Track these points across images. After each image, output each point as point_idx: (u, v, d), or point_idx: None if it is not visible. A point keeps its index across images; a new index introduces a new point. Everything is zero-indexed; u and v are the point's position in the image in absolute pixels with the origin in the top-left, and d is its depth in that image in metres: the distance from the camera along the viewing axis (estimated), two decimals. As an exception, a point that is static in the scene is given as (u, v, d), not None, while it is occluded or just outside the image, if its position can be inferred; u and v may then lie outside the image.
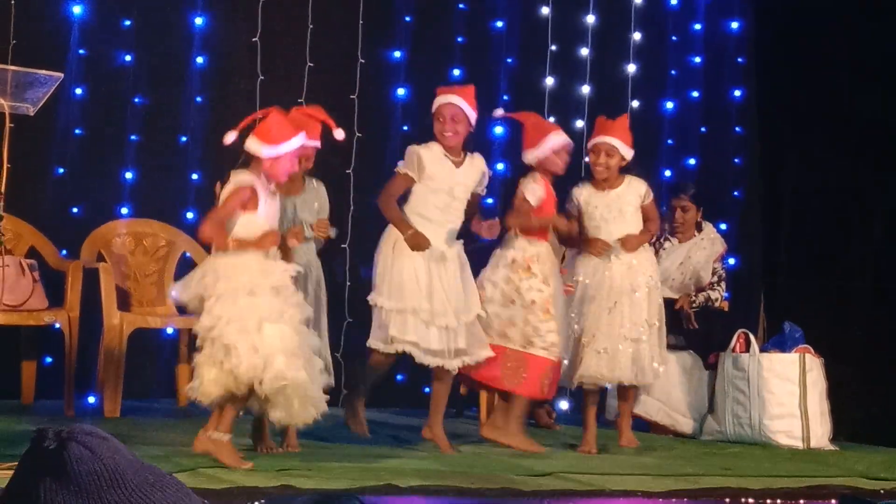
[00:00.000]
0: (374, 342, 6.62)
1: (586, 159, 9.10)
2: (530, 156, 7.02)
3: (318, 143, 6.51)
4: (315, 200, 6.60)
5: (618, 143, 7.18)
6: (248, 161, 5.93)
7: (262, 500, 4.92)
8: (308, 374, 5.80)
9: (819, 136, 9.18)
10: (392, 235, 6.67)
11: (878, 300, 8.74)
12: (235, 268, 5.83)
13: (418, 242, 6.57)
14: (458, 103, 6.71)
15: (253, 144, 5.91)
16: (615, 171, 7.20)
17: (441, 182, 6.69)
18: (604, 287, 7.17)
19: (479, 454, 6.75)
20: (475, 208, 6.89)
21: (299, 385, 5.72)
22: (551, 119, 9.21)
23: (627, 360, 7.18)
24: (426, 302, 6.57)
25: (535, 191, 6.92)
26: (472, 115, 6.74)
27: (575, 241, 7.30)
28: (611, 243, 7.17)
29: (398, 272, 6.61)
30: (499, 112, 7.22)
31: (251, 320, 5.74)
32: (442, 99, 6.75)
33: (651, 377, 7.36)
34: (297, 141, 5.96)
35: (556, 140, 7.02)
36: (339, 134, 6.37)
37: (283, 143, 5.91)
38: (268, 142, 5.89)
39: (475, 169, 6.80)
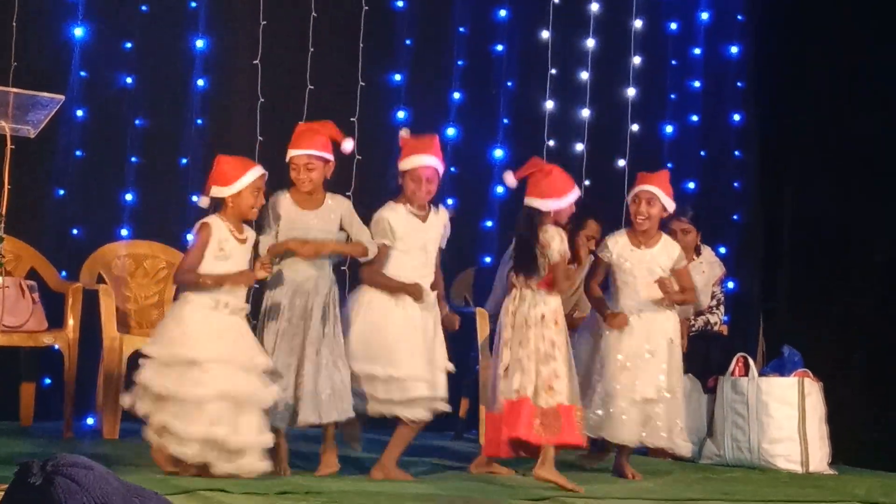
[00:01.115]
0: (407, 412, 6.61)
1: (587, 182, 9.13)
2: (551, 204, 6.87)
3: (329, 156, 6.55)
4: (331, 214, 6.58)
5: (659, 193, 7.11)
6: (218, 209, 6.28)
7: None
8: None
9: (818, 159, 9.20)
10: (365, 297, 6.65)
11: (878, 324, 8.74)
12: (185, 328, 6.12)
13: (416, 291, 6.57)
14: (434, 165, 6.65)
15: (214, 191, 6.28)
16: (656, 221, 7.14)
17: (412, 241, 6.64)
18: (622, 344, 7.13)
19: (477, 479, 6.74)
20: (437, 264, 6.80)
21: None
22: (551, 143, 9.25)
23: (635, 425, 7.09)
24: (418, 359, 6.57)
25: (565, 249, 6.81)
26: (441, 169, 6.71)
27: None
28: (640, 297, 7.12)
29: (387, 334, 6.60)
30: (510, 180, 7.06)
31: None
32: (416, 161, 6.63)
33: (664, 442, 7.26)
34: (253, 174, 6.27)
35: (576, 194, 6.97)
36: (348, 145, 6.65)
37: (236, 180, 6.25)
38: (223, 183, 6.26)
39: (440, 222, 6.73)
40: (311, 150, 6.50)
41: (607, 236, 7.29)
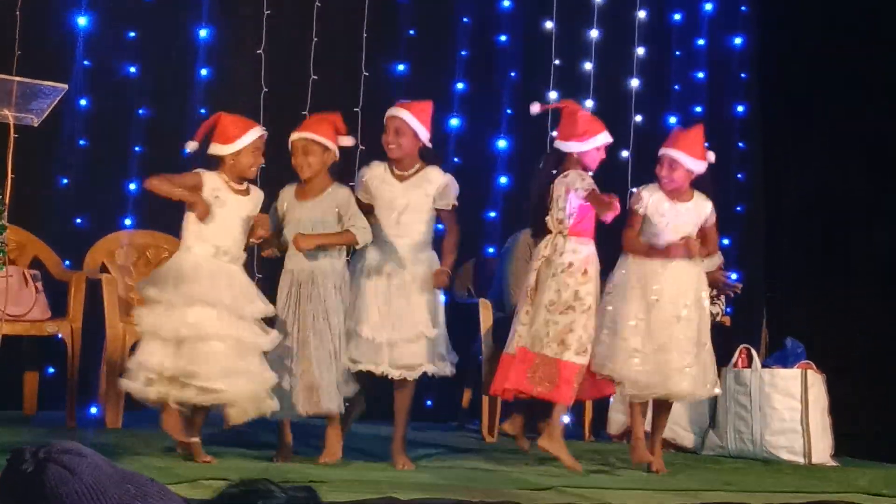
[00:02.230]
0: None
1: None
2: (574, 146, 6.77)
3: (329, 143, 6.59)
4: (330, 204, 6.59)
5: (680, 156, 6.87)
6: (215, 166, 6.40)
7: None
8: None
9: (822, 151, 9.19)
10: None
11: (882, 316, 8.73)
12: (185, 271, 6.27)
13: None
14: (402, 116, 6.62)
15: (214, 148, 6.39)
16: (682, 183, 6.90)
17: (384, 200, 6.62)
18: (668, 294, 6.90)
19: (480, 468, 6.74)
20: (447, 225, 6.74)
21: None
22: (554, 133, 9.24)
23: (681, 374, 6.89)
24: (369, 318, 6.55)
25: (590, 184, 6.70)
26: (421, 130, 6.61)
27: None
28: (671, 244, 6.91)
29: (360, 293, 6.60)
30: (535, 107, 6.96)
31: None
32: (389, 112, 6.69)
33: (708, 392, 7.12)
34: (253, 134, 6.39)
35: (605, 137, 6.86)
36: (348, 141, 6.71)
37: (238, 138, 6.36)
38: (224, 141, 6.37)
39: (427, 182, 6.65)
40: (308, 133, 6.52)
41: (641, 188, 7.10)
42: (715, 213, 7.06)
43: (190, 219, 6.35)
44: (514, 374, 6.71)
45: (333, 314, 6.51)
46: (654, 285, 6.88)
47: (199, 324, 6.14)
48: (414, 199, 6.62)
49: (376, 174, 6.66)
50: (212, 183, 6.35)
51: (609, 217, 6.63)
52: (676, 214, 6.94)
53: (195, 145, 6.38)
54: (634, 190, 9.18)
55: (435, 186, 6.65)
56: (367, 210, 6.62)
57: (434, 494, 5.73)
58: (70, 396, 7.34)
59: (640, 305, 6.87)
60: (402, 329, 6.54)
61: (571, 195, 6.71)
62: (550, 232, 6.80)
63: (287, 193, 6.61)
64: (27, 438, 6.48)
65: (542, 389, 6.69)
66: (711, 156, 7.00)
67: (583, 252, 6.74)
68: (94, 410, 7.69)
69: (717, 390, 7.27)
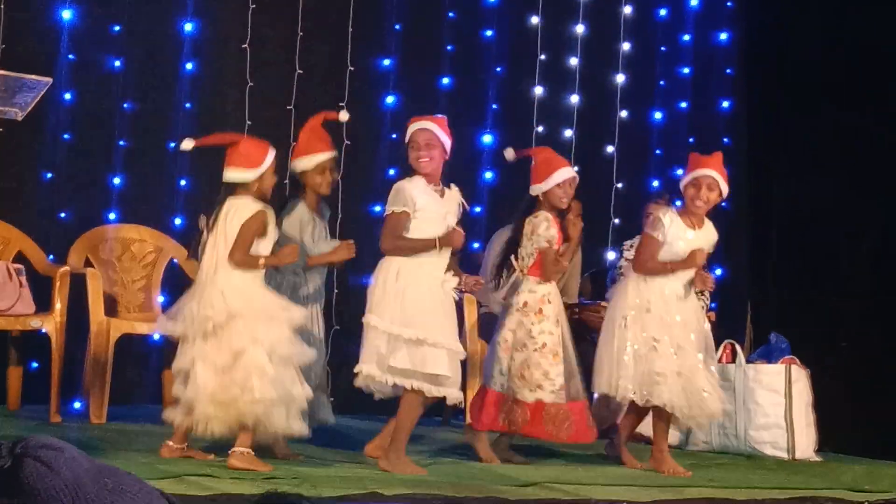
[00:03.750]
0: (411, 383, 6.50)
1: (575, 168, 9.17)
2: (536, 189, 6.95)
3: (333, 153, 6.74)
4: (324, 218, 6.85)
5: (719, 178, 6.92)
6: (233, 190, 6.24)
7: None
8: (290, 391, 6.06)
9: (807, 147, 9.20)
10: (394, 266, 6.49)
11: (865, 312, 8.76)
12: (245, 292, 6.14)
13: (453, 239, 6.45)
14: (431, 129, 6.54)
15: (235, 173, 6.25)
16: (712, 206, 6.98)
17: (433, 212, 6.51)
18: (684, 322, 6.97)
19: (464, 464, 6.74)
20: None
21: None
22: (540, 129, 9.24)
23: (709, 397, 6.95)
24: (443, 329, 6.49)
25: (552, 234, 6.86)
26: (447, 142, 6.56)
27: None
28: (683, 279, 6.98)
29: (420, 302, 6.44)
30: (509, 154, 7.07)
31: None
32: (415, 126, 6.58)
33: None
34: (272, 155, 6.32)
35: (562, 174, 6.93)
36: (344, 115, 6.92)
37: (263, 161, 6.26)
38: (249, 165, 6.24)
39: (454, 199, 6.64)
40: (334, 152, 6.74)
41: (660, 214, 7.04)
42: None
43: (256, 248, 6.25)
44: (486, 417, 6.95)
45: (317, 320, 6.74)
46: (675, 311, 6.93)
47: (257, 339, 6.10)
48: (452, 215, 6.57)
49: (421, 187, 6.54)
50: (270, 217, 6.29)
51: (551, 277, 6.91)
52: (694, 241, 6.96)
53: (191, 144, 6.35)
54: (620, 185, 9.19)
55: (457, 204, 6.65)
56: (403, 222, 6.52)
57: (419, 490, 5.73)
58: (54, 391, 7.32)
59: (660, 329, 6.93)
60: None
61: (534, 237, 6.90)
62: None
63: (305, 212, 6.69)
64: (10, 433, 6.46)
65: (513, 427, 6.91)
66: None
67: (539, 291, 6.88)
68: (77, 405, 7.67)
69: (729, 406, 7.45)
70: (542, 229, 6.87)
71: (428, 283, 6.41)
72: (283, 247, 6.27)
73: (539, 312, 6.87)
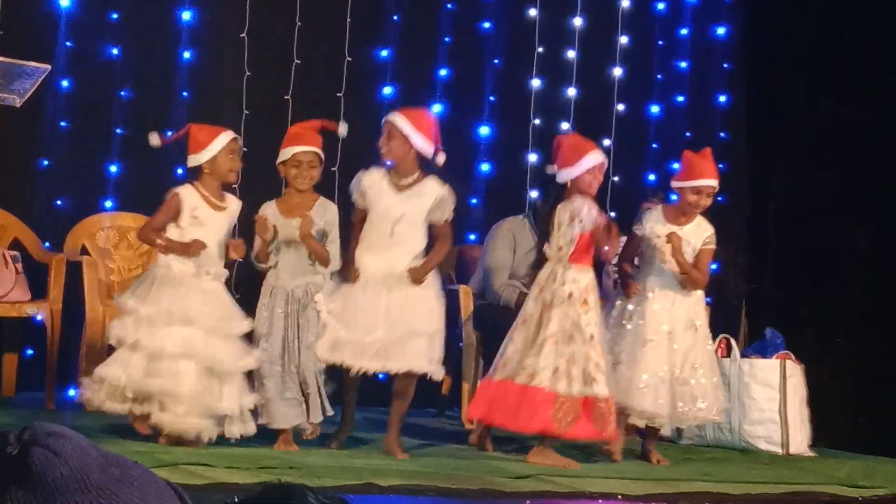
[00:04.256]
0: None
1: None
2: (564, 175, 6.77)
3: (316, 149, 6.62)
4: (321, 219, 6.60)
5: (716, 185, 7.09)
6: (194, 176, 6.47)
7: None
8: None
9: (805, 143, 9.20)
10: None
11: (861, 308, 8.76)
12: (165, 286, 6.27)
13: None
14: (393, 120, 6.58)
15: (190, 160, 6.49)
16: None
17: (380, 208, 6.57)
18: (651, 322, 7.02)
19: (459, 455, 6.74)
20: (437, 237, 6.70)
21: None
22: (537, 121, 9.24)
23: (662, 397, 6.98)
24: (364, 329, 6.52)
25: (594, 216, 6.69)
26: (416, 137, 6.53)
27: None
28: (671, 275, 7.02)
29: (349, 299, 6.55)
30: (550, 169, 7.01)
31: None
32: (387, 117, 6.67)
33: (691, 419, 7.20)
34: (225, 138, 6.41)
35: (592, 159, 6.81)
36: (343, 130, 6.86)
37: (209, 144, 6.39)
38: (196, 150, 6.43)
39: (425, 194, 6.61)
40: (316, 147, 6.59)
41: (643, 211, 7.16)
42: (714, 241, 7.14)
43: (173, 234, 6.36)
44: (538, 419, 6.57)
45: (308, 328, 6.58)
46: (648, 314, 7.00)
47: (177, 343, 6.15)
48: (410, 210, 6.58)
49: (374, 180, 6.60)
50: (190, 202, 6.38)
51: (611, 253, 6.78)
52: (681, 235, 7.01)
53: (157, 139, 6.52)
54: (616, 178, 9.20)
55: (432, 198, 6.61)
56: (362, 216, 6.59)
57: (413, 481, 5.74)
58: (49, 378, 7.32)
59: (637, 335, 7.00)
60: (399, 329, 6.54)
61: (576, 222, 6.69)
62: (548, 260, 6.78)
63: (271, 210, 6.60)
64: (5, 420, 6.47)
65: (563, 429, 6.58)
66: None
67: (582, 281, 6.71)
68: (72, 393, 7.67)
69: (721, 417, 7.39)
70: (585, 212, 6.68)
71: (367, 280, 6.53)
72: (194, 240, 6.30)
73: (585, 303, 6.69)
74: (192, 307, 6.21)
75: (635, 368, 6.96)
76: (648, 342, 6.99)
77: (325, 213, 6.64)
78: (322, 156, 6.68)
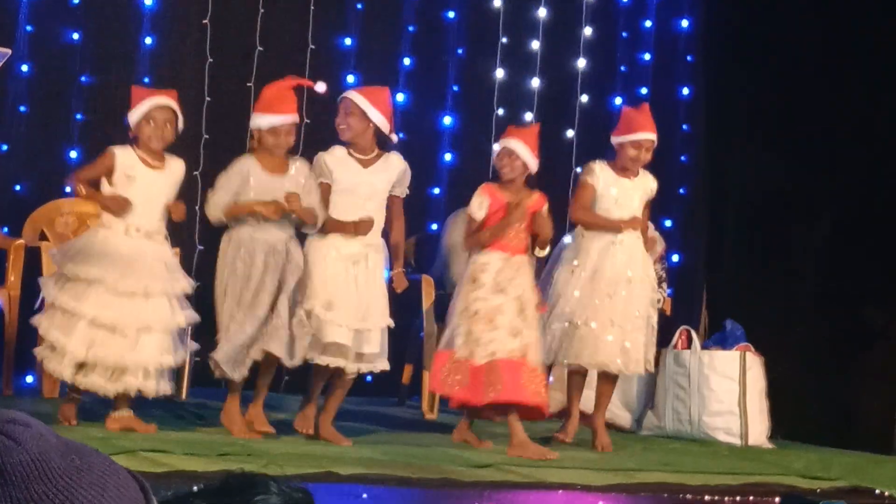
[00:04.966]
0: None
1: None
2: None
3: (293, 118, 6.61)
4: (300, 178, 6.58)
5: (655, 139, 7.20)
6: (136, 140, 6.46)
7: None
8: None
9: (765, 135, 9.24)
10: (309, 241, 6.65)
11: (820, 300, 8.80)
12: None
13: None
14: (350, 97, 6.67)
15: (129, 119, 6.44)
16: (644, 163, 7.22)
17: (346, 183, 6.61)
18: (605, 272, 7.10)
19: (420, 444, 6.74)
20: (395, 213, 6.77)
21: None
22: (500, 112, 9.22)
23: (615, 348, 7.07)
24: (336, 303, 6.52)
25: (473, 208, 6.91)
26: (374, 113, 6.61)
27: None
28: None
29: (316, 275, 6.56)
30: None
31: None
32: (343, 94, 6.73)
33: (641, 369, 7.25)
34: (146, 104, 6.37)
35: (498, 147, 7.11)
36: (320, 87, 6.96)
37: (135, 108, 6.38)
38: (128, 113, 6.44)
39: (390, 168, 6.69)
40: (293, 114, 6.58)
41: (592, 161, 7.29)
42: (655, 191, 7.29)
43: (107, 191, 6.36)
44: (434, 379, 7.00)
45: (285, 291, 6.52)
46: (595, 262, 7.04)
47: (104, 308, 6.14)
48: (377, 185, 6.67)
49: (339, 157, 6.65)
50: (125, 160, 6.36)
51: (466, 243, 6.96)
52: (627, 188, 7.14)
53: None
54: (579, 169, 9.21)
55: (396, 172, 6.70)
56: (324, 193, 6.60)
57: (374, 470, 5.73)
58: (7, 364, 7.26)
59: (587, 282, 7.07)
60: (369, 319, 6.55)
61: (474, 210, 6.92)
62: None
63: (253, 166, 6.53)
64: (-38, 406, 6.41)
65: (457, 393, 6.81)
66: None
67: (479, 261, 6.85)
68: (30, 379, 7.62)
69: (642, 370, 7.34)
70: (473, 200, 6.90)
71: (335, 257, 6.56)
72: (118, 195, 6.29)
73: (473, 281, 6.83)
74: (114, 272, 6.17)
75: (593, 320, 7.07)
76: (610, 294, 7.07)
77: (304, 171, 6.63)
78: (297, 120, 6.68)
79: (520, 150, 6.88)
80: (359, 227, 6.56)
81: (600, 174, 7.15)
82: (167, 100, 6.45)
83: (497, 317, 6.74)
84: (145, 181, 6.35)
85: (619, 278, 7.08)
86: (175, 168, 6.47)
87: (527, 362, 6.71)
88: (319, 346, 6.49)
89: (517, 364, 6.71)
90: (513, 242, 6.84)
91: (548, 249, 7.13)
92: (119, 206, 6.28)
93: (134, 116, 6.41)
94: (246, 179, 6.50)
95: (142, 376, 6.17)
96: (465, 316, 6.77)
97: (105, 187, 6.35)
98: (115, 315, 6.14)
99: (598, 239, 7.12)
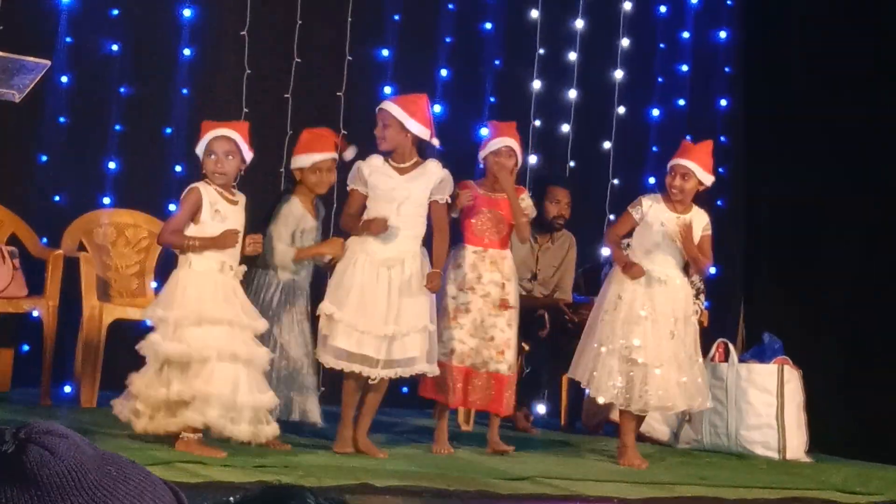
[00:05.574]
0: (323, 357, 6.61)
1: (571, 164, 9.15)
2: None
3: (333, 155, 6.80)
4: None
5: (694, 168, 7.03)
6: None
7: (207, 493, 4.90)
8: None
9: (803, 147, 9.19)
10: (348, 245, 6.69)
11: (857, 313, 8.74)
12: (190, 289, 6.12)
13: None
14: (386, 108, 6.69)
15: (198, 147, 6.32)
16: (689, 195, 7.07)
17: (383, 191, 6.63)
18: (660, 310, 7.03)
19: (456, 456, 6.73)
20: (437, 220, 6.75)
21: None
22: (537, 123, 9.21)
23: (679, 388, 7.03)
24: (364, 309, 6.53)
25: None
26: (408, 121, 6.61)
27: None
28: (675, 265, 7.08)
29: (346, 280, 6.58)
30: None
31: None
32: (380, 106, 6.77)
33: (708, 402, 7.28)
34: (206, 138, 6.24)
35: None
36: (351, 152, 6.91)
37: (201, 140, 6.27)
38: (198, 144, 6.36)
39: (427, 175, 6.69)
40: (334, 153, 6.76)
41: (644, 196, 7.25)
42: (711, 226, 7.19)
43: (193, 231, 6.21)
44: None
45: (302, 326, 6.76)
46: (646, 302, 7.00)
47: (209, 344, 6.02)
48: (414, 191, 6.67)
49: (375, 165, 6.68)
50: (209, 196, 6.22)
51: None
52: (671, 225, 7.05)
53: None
54: (616, 181, 9.19)
55: (434, 179, 6.70)
56: (355, 201, 6.66)
57: (409, 482, 5.72)
58: (45, 374, 7.30)
59: (630, 321, 7.00)
60: (403, 323, 6.55)
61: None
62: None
63: (295, 205, 6.69)
64: (0, 416, 6.45)
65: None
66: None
67: (452, 258, 6.95)
68: (68, 389, 7.65)
69: (710, 403, 7.38)
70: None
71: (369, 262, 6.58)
72: (225, 230, 6.16)
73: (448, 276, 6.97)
74: (220, 305, 6.09)
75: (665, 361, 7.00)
76: (673, 332, 7.02)
77: (320, 212, 6.90)
78: (337, 158, 6.81)
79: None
80: (369, 227, 6.54)
81: (647, 205, 7.09)
82: (226, 130, 6.31)
83: (460, 315, 6.83)
84: (231, 216, 6.24)
85: (674, 316, 7.03)
86: (242, 201, 6.35)
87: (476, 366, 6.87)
88: (331, 350, 6.50)
89: (467, 371, 6.87)
90: (486, 235, 6.96)
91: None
92: (232, 241, 6.16)
93: (199, 151, 6.32)
94: (299, 221, 6.64)
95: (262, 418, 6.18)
96: (442, 314, 6.87)
97: (190, 229, 6.17)
98: (240, 351, 6.11)
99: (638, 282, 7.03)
